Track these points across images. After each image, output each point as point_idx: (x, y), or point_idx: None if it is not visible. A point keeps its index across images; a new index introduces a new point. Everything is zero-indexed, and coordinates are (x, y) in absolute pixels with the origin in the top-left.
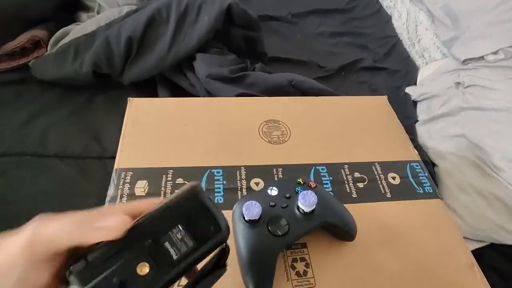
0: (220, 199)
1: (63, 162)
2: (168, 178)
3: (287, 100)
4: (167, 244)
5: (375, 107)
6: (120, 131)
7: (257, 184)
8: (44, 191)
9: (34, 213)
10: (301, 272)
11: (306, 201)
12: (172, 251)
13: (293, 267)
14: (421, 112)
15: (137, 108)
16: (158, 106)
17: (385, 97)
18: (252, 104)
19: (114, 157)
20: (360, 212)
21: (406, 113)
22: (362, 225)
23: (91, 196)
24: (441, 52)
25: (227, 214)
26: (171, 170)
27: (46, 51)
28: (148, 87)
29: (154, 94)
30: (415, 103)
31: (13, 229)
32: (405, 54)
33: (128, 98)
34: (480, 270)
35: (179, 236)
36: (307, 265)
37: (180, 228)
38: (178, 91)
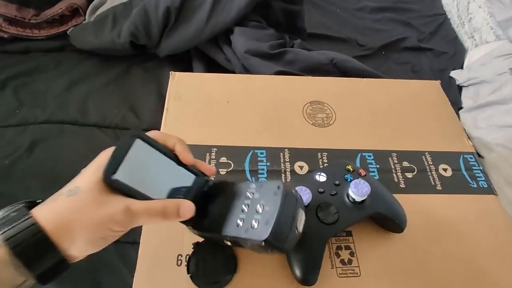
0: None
1: (102, 132)
2: (212, 156)
3: (331, 80)
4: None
5: (427, 93)
6: (155, 103)
7: (301, 167)
8: (83, 158)
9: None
10: (346, 261)
11: (358, 191)
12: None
13: (338, 255)
14: (467, 98)
15: (179, 82)
16: (200, 81)
17: (437, 82)
18: (295, 83)
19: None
20: (408, 204)
21: (450, 99)
22: (410, 218)
23: None
24: (494, 33)
25: None
26: (214, 149)
27: (84, 19)
28: (183, 60)
29: (189, 67)
30: (460, 88)
31: (52, 192)
32: (452, 34)
33: (170, 72)
34: None
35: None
36: (351, 254)
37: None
38: (213, 65)
